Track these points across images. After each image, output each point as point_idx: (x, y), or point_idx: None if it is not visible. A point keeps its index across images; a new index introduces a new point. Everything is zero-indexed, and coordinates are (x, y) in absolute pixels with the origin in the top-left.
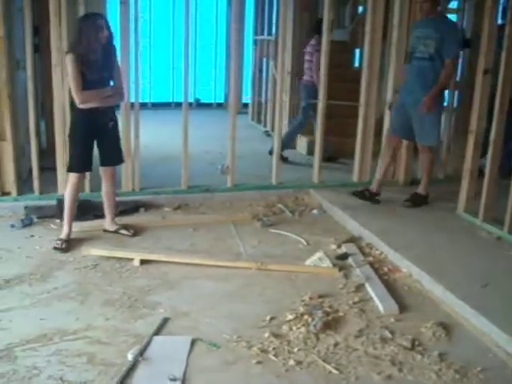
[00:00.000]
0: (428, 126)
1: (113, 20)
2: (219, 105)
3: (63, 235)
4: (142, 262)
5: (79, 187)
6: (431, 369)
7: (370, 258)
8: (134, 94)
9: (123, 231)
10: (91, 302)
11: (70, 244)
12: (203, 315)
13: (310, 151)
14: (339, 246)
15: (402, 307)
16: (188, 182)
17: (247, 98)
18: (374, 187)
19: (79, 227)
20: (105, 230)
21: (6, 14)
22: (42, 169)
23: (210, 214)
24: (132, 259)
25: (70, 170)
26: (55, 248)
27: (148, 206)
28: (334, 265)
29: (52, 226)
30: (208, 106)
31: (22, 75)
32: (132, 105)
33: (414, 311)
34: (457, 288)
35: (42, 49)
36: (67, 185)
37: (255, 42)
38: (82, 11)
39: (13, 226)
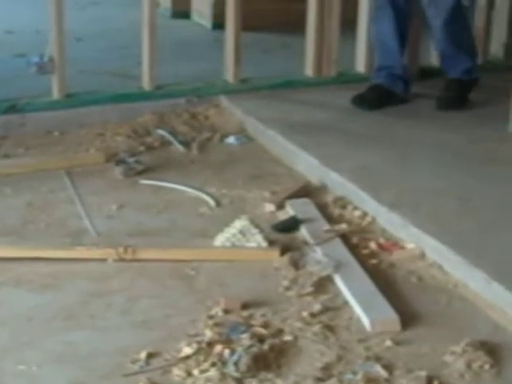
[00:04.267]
0: None
1: None
2: None
3: None
4: None
5: None
6: None
7: (343, 226)
8: None
9: None
10: None
11: None
12: (13, 358)
13: (219, 20)
14: (280, 206)
15: (408, 317)
16: None
17: None
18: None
19: None
20: None
21: None
22: None
23: (19, 156)
24: None
25: None
26: None
27: None
28: (272, 242)
29: None
30: None
31: None
32: None
33: (431, 323)
34: (510, 275)
35: None
36: None
37: None
38: None
39: None
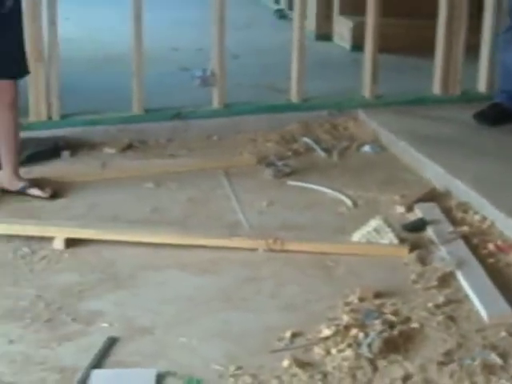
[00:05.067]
0: None
1: None
2: None
3: None
4: (69, 242)
5: None
6: None
7: (465, 228)
8: None
9: (34, 191)
10: None
11: None
12: (176, 332)
13: (358, 43)
14: (410, 209)
15: None
16: (145, 103)
17: None
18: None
19: None
20: (2, 190)
21: None
22: None
23: (183, 156)
24: (52, 238)
25: None
26: None
27: (76, 147)
28: (402, 240)
29: None
30: None
31: None
32: None
33: None
34: None
35: None
36: None
37: None
38: None
39: None
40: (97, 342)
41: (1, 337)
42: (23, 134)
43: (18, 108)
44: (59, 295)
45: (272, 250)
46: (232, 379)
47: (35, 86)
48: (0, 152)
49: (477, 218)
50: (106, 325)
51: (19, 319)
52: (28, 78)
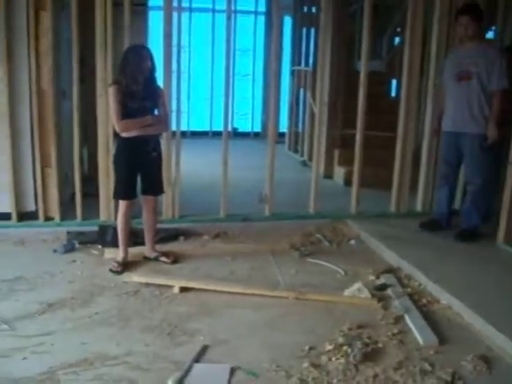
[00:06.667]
0: None
1: (156, 51)
2: (256, 134)
3: (119, 258)
4: (182, 289)
5: (129, 213)
6: None
7: (409, 290)
8: (176, 123)
9: (163, 258)
10: (131, 328)
11: (125, 267)
12: (242, 343)
13: (348, 181)
14: (378, 277)
15: (442, 339)
16: (227, 211)
17: (283, 127)
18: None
19: (117, 254)
20: (145, 257)
21: (54, 45)
22: (84, 195)
23: (248, 243)
24: (172, 286)
25: (115, 196)
26: (111, 270)
27: (187, 234)
28: (373, 296)
29: (93, 251)
30: (245, 135)
31: (67, 104)
32: (173, 133)
33: (454, 344)
34: (498, 321)
35: (87, 79)
36: (118, 211)
37: (292, 72)
38: (126, 43)
39: (55, 250)
40: (196, 347)
41: (141, 342)
42: (158, 226)
43: (157, 211)
44: (176, 319)
45: (297, 298)
46: (274, 373)
47: (166, 199)
48: (145, 235)
49: (416, 283)
50: (201, 337)
51: (151, 331)
52: (163, 195)
